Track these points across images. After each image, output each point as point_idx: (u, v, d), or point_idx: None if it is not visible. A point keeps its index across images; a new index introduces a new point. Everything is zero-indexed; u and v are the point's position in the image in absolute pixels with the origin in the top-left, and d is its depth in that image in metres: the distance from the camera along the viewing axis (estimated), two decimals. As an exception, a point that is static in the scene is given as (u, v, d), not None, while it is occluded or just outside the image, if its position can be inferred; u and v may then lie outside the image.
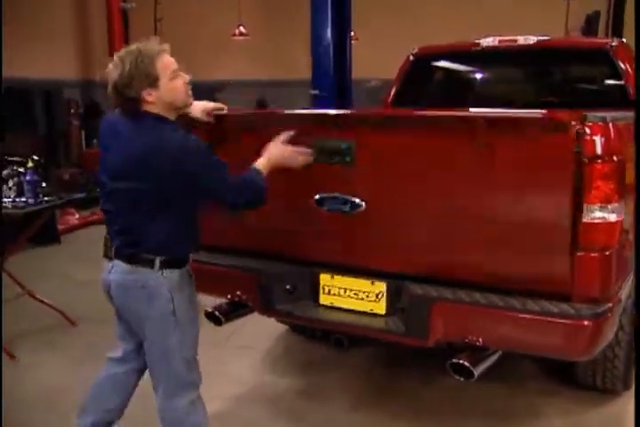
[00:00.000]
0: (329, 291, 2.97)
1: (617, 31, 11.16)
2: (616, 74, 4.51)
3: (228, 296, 3.18)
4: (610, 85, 4.65)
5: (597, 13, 10.60)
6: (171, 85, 2.32)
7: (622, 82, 4.49)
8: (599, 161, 2.39)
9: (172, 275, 2.44)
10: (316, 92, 7.60)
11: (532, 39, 4.79)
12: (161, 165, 2.25)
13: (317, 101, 7.61)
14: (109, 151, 2.42)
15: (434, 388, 3.69)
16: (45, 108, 11.40)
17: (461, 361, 2.55)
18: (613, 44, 4.57)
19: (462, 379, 2.58)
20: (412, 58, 5.27)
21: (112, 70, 2.28)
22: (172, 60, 2.35)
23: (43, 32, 10.00)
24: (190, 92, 2.43)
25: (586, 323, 2.41)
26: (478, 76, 5.35)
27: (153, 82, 2.28)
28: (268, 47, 11.91)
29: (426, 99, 5.29)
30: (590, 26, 10.47)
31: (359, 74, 10.86)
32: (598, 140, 2.38)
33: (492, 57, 5.00)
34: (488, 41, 4.89)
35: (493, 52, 4.90)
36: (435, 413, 3.47)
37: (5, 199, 4.29)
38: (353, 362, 4.05)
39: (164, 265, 2.41)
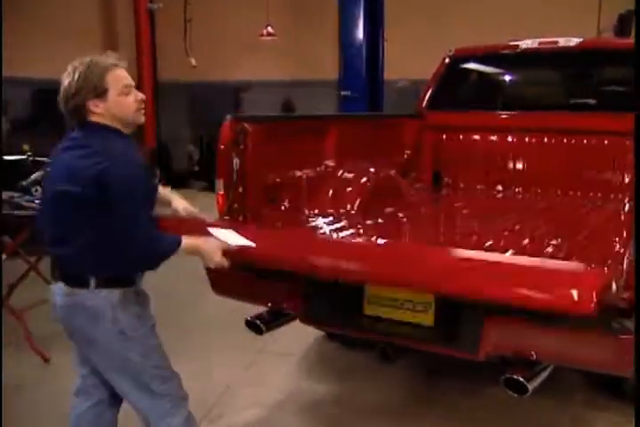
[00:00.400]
0: (374, 301, 2.90)
1: (650, 31, 10.92)
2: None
3: (269, 305, 3.13)
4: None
5: (630, 13, 10.34)
6: (120, 99, 2.31)
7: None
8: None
9: (112, 295, 2.32)
10: (347, 93, 7.50)
11: (573, 41, 4.69)
12: (88, 171, 2.19)
13: (347, 103, 7.52)
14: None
15: (474, 399, 3.61)
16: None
17: (516, 376, 2.47)
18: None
19: (516, 394, 2.50)
20: (448, 60, 5.17)
21: (64, 78, 2.29)
22: (125, 75, 2.35)
23: (71, 33, 10.01)
24: (142, 111, 2.40)
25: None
26: (517, 78, 5.25)
27: (101, 93, 2.27)
28: (295, 47, 11.83)
29: (463, 102, 5.20)
30: (623, 25, 10.22)
31: (387, 74, 10.81)
32: None
33: (531, 59, 4.90)
34: (528, 43, 4.80)
35: (533, 54, 4.80)
36: (475, 424, 3.38)
37: (37, 201, 4.27)
38: (390, 371, 3.98)
39: (101, 284, 2.31)
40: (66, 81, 2.28)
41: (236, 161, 3.35)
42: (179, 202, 2.88)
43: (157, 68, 12.50)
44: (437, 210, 4.37)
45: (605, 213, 4.05)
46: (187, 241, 2.36)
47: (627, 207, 3.40)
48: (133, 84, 2.38)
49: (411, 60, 10.47)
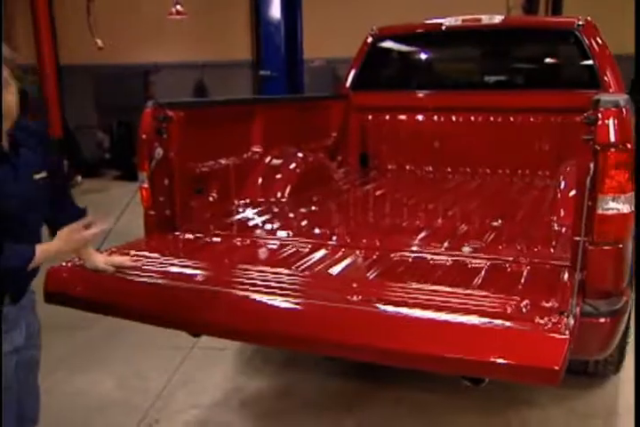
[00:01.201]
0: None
1: (557, 9, 11.14)
2: (584, 53, 4.42)
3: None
4: (578, 66, 4.55)
5: (538, -10, 10.55)
6: None
7: (591, 62, 4.40)
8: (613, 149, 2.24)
9: None
10: (267, 72, 7.26)
11: (496, 18, 4.65)
12: None
13: (267, 83, 7.28)
14: None
15: (420, 392, 3.54)
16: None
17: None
18: (580, 22, 4.46)
19: (471, 384, 2.42)
20: (370, 39, 5.04)
21: None
22: None
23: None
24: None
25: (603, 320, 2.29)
26: (441, 57, 5.18)
27: None
28: (205, 27, 11.41)
29: (387, 82, 5.11)
30: (531, 3, 10.40)
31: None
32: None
33: (455, 37, 4.84)
34: (451, 21, 4.72)
35: (456, 32, 4.74)
36: (424, 415, 3.32)
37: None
38: (330, 362, 3.86)
39: None
40: None
41: (158, 151, 3.10)
42: (96, 259, 2.49)
43: (58, 50, 11.80)
44: (367, 196, 4.25)
45: (539, 192, 4.06)
46: (43, 247, 1.99)
47: (562, 185, 3.37)
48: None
49: (325, 40, 10.33)
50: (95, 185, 10.31)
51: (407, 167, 4.95)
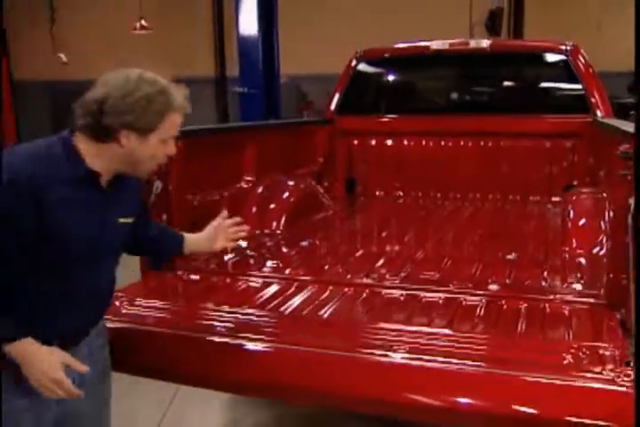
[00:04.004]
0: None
1: (518, 27, 11.35)
2: (573, 77, 4.41)
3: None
4: (567, 89, 4.54)
5: (500, 10, 10.69)
6: (155, 147, 1.79)
7: (579, 85, 4.39)
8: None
9: None
10: (244, 89, 7.09)
11: (484, 42, 4.62)
12: None
13: (245, 100, 7.11)
14: None
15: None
16: None
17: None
18: (568, 47, 4.45)
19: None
20: (355, 62, 4.94)
21: (117, 80, 1.74)
22: (179, 123, 1.84)
23: None
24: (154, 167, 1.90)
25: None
26: (429, 80, 5.11)
27: (145, 131, 1.75)
28: (169, 43, 11.21)
29: (373, 105, 5.01)
30: (494, 22, 10.54)
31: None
32: None
33: (442, 61, 4.78)
34: (438, 44, 4.66)
35: (444, 55, 4.68)
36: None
37: None
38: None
39: None
40: (120, 88, 1.72)
41: (157, 184, 2.91)
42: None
43: (11, 66, 11.40)
44: (367, 226, 4.11)
45: (538, 219, 4.01)
46: (22, 343, 1.69)
47: (571, 214, 3.32)
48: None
49: (289, 57, 10.27)
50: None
51: (395, 193, 4.84)
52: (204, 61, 11.53)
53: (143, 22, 10.15)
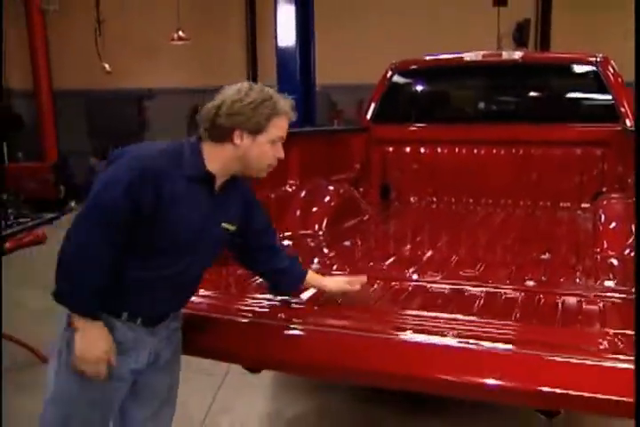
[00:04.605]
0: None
1: (545, 38, 11.49)
2: (603, 88, 4.57)
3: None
4: (597, 99, 4.70)
5: (527, 21, 10.86)
6: (264, 147, 2.04)
7: (609, 96, 4.55)
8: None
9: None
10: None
11: (516, 54, 4.80)
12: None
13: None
14: None
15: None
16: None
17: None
18: (599, 59, 4.62)
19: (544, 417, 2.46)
20: (390, 72, 5.15)
21: (231, 91, 2.01)
22: (286, 127, 2.08)
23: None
24: (270, 169, 2.12)
25: None
26: (462, 90, 5.30)
27: (256, 130, 2.01)
28: (202, 52, 11.51)
29: (407, 114, 5.21)
30: (521, 33, 10.71)
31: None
32: None
33: (475, 72, 4.96)
34: (472, 55, 4.85)
35: (477, 66, 4.87)
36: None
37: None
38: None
39: None
40: (233, 95, 1.99)
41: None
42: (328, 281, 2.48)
43: (53, 75, 11.79)
44: (405, 228, 4.31)
45: (568, 223, 4.17)
46: (93, 323, 1.95)
47: (602, 218, 3.50)
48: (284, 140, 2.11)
49: (320, 67, 10.50)
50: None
51: (428, 199, 5.02)
52: (237, 70, 11.81)
53: (181, 33, 10.46)
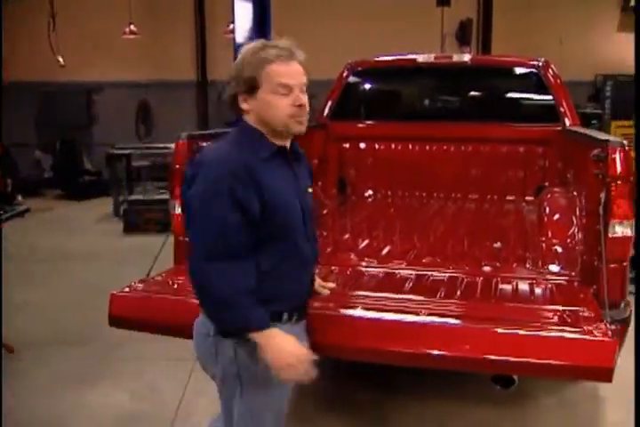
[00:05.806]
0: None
1: (487, 37, 11.96)
2: (544, 89, 4.91)
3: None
4: (539, 101, 5.05)
5: (470, 20, 11.30)
6: (270, 100, 1.90)
7: (550, 97, 4.89)
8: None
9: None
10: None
11: (466, 56, 5.10)
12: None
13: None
14: None
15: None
16: None
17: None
18: (541, 63, 4.96)
19: (503, 388, 2.71)
20: (347, 72, 5.38)
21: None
22: (284, 71, 1.90)
23: None
24: (301, 119, 1.94)
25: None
26: (414, 90, 5.57)
27: (249, 89, 1.91)
28: (150, 47, 11.52)
29: (363, 112, 5.45)
30: (464, 32, 11.14)
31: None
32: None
33: (427, 72, 5.23)
34: (424, 57, 5.12)
35: (429, 67, 5.15)
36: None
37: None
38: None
39: None
40: (234, 65, 1.95)
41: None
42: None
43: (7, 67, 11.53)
44: (360, 222, 4.56)
45: (515, 215, 4.49)
46: (270, 333, 1.89)
47: (547, 210, 3.83)
48: (299, 84, 1.92)
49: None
50: (38, 204, 10.06)
51: (383, 193, 5.28)
52: (185, 65, 11.88)
53: (132, 27, 10.44)
